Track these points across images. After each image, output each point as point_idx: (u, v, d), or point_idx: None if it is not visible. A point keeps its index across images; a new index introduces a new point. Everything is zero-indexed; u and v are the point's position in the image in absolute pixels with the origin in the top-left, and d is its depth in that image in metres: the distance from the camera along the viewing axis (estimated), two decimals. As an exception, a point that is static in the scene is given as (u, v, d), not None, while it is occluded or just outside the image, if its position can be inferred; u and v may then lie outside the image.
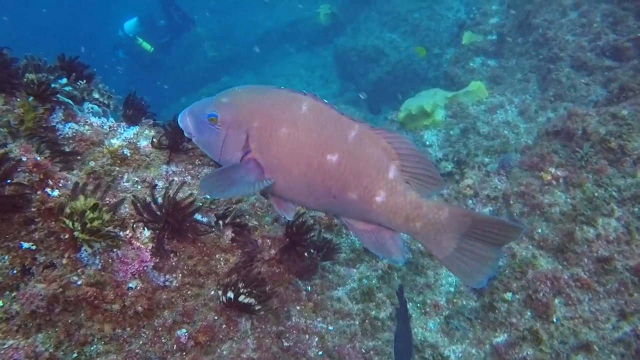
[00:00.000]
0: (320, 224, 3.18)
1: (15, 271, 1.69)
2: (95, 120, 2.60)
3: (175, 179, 2.53)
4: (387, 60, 10.63)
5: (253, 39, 15.19)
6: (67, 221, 1.68)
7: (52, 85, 2.47)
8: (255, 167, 1.76)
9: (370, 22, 11.67)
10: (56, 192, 1.75)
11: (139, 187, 2.53)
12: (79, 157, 2.47)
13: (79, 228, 1.69)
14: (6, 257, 1.69)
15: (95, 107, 2.70)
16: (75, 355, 1.74)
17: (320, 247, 2.80)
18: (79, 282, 1.78)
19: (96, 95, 2.78)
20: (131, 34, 12.11)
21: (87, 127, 2.55)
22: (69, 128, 2.48)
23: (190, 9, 14.34)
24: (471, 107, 5.69)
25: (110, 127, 2.61)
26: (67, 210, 1.68)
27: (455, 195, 3.66)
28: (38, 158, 1.73)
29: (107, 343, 1.81)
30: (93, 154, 2.49)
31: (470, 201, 3.68)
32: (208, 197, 2.28)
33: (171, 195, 1.96)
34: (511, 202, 3.48)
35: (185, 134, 1.79)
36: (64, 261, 1.78)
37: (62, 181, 1.80)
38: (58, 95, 2.48)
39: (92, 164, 2.43)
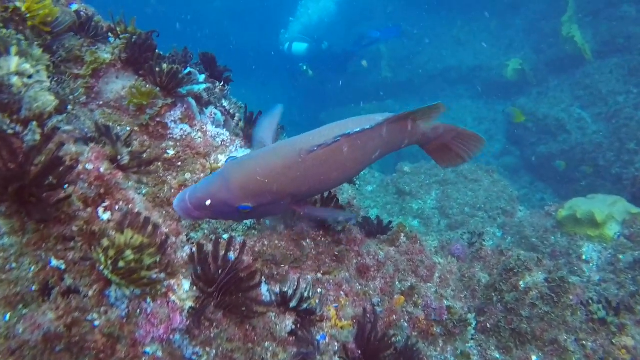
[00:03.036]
0: (416, 326, 2.58)
1: (34, 288, 1.44)
2: (211, 129, 2.35)
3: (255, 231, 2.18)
4: (567, 138, 9.32)
5: (432, 71, 14.65)
6: (100, 255, 1.39)
7: (181, 75, 2.27)
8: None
9: (560, 92, 10.38)
10: (107, 216, 1.47)
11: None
12: (179, 164, 2.24)
13: (110, 267, 1.39)
14: (32, 269, 1.45)
15: (219, 114, 2.47)
16: (60, 405, 1.44)
17: (403, 354, 2.22)
18: (97, 323, 1.48)
19: (225, 103, 2.55)
20: (297, 57, 12.87)
21: (199, 134, 2.31)
22: (181, 129, 2.26)
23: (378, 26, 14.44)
24: (659, 235, 4.50)
25: (223, 141, 2.34)
26: (105, 243, 1.38)
27: (602, 356, 2.76)
28: (102, 170, 1.46)
29: (101, 404, 1.48)
30: (194, 165, 2.25)
31: (622, 370, 2.74)
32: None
33: (233, 258, 1.57)
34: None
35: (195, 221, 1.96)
36: (90, 293, 1.49)
37: (121, 203, 1.52)
38: (181, 89, 2.28)
39: (187, 175, 2.18)
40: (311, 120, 16.01)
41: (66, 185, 1.45)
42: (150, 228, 1.51)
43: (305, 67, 12.68)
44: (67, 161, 1.43)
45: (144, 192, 2.05)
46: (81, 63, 2.30)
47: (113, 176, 1.50)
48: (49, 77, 1.69)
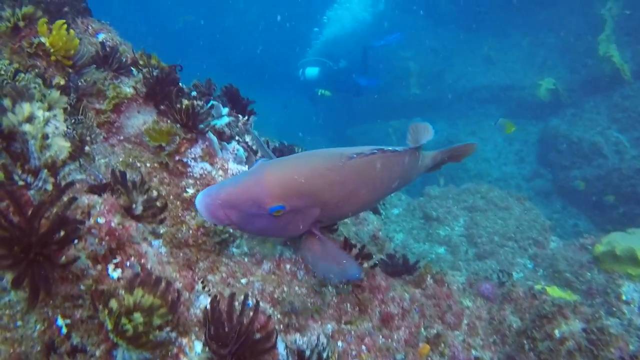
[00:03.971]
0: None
1: (38, 348, 1.37)
2: (232, 167, 2.28)
3: (283, 267, 2.08)
4: (602, 163, 8.95)
5: (461, 89, 14.41)
6: (107, 317, 1.31)
7: (202, 111, 2.21)
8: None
9: (596, 114, 10.02)
10: (117, 274, 1.40)
11: (246, 259, 2.15)
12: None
13: (116, 330, 1.31)
14: (38, 327, 1.38)
15: (241, 150, 2.39)
16: None
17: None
18: (102, 385, 1.40)
19: (247, 138, 2.47)
20: (311, 82, 12.80)
21: (220, 172, 2.24)
22: (201, 168, 2.19)
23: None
24: None
25: (244, 179, 2.27)
26: (113, 304, 1.30)
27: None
28: (114, 224, 1.39)
29: None
30: (213, 204, 2.17)
31: None
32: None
33: (247, 320, 1.47)
34: None
35: (216, 223, 1.72)
36: (98, 353, 1.41)
37: (133, 259, 1.44)
38: (202, 125, 2.21)
39: (206, 216, 2.10)
40: (339, 136, 15.93)
41: (75, 241, 1.38)
42: (162, 285, 1.43)
43: (320, 92, 12.59)
44: (78, 215, 1.37)
45: (162, 231, 1.98)
46: (103, 97, 2.27)
47: (125, 230, 1.43)
48: (65, 120, 1.63)
